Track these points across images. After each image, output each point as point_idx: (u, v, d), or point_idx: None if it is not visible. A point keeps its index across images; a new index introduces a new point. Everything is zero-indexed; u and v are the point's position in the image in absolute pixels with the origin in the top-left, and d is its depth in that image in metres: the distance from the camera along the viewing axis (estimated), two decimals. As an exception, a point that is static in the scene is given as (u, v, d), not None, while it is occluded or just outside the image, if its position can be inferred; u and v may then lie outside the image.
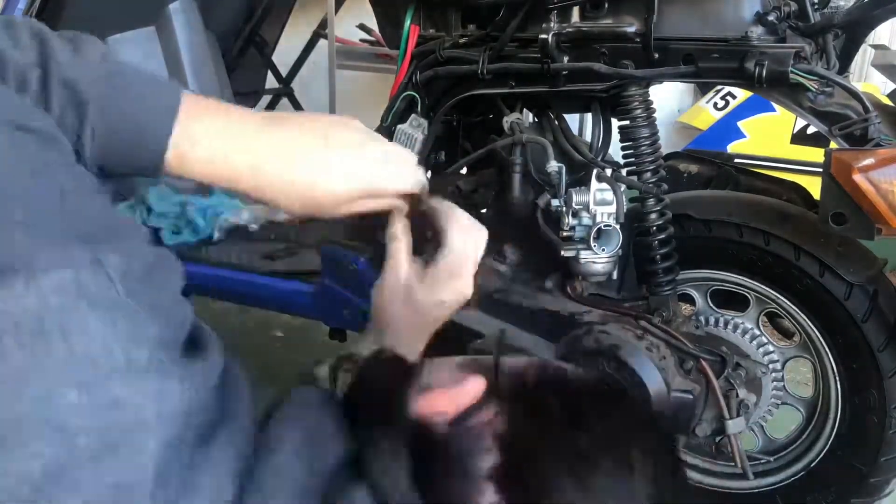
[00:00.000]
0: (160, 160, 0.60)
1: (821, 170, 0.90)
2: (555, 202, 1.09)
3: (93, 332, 0.46)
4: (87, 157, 0.58)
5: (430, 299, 0.74)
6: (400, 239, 0.76)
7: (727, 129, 2.72)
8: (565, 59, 1.07)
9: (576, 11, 1.07)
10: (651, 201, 1.10)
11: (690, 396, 1.04)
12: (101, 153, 0.59)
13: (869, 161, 0.85)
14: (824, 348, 1.12)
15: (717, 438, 1.09)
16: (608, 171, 1.07)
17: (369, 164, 0.67)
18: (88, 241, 0.49)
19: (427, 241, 0.75)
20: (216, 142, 0.61)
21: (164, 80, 0.62)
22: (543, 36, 1.05)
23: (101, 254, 0.49)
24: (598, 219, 1.05)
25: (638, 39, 1.03)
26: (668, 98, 3.11)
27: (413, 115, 1.22)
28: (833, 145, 0.94)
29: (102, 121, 0.58)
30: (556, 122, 1.18)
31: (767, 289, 1.13)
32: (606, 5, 1.05)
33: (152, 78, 0.61)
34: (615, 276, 1.12)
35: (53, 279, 0.46)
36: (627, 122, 1.10)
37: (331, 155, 0.65)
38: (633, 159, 1.11)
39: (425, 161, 1.26)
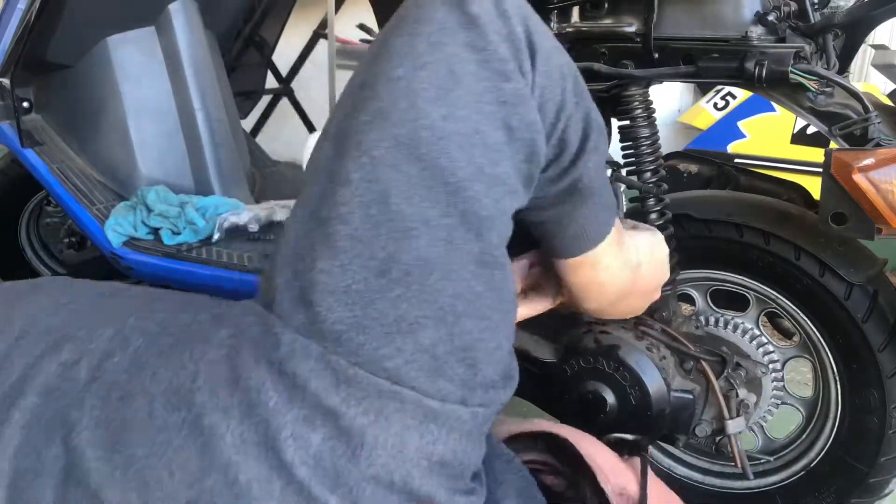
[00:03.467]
0: (564, 258, 0.71)
1: (821, 170, 0.90)
2: (555, 202, 1.09)
3: (471, 463, 0.56)
4: (528, 218, 0.68)
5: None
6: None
7: (727, 129, 2.72)
8: (565, 59, 1.07)
9: (576, 11, 1.07)
10: (651, 201, 1.10)
11: (690, 396, 1.04)
12: (538, 226, 0.69)
13: (869, 161, 0.85)
14: (824, 348, 1.12)
15: (717, 438, 1.09)
16: (608, 171, 1.07)
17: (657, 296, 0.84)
18: (502, 381, 0.58)
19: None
20: (605, 277, 0.73)
21: (613, 201, 0.71)
22: (543, 36, 1.05)
23: (503, 399, 0.58)
24: (598, 219, 1.05)
25: (638, 39, 1.03)
26: (668, 98, 3.11)
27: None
28: (833, 145, 0.94)
29: (565, 215, 0.67)
30: (556, 122, 1.18)
31: (767, 289, 1.13)
32: (606, 5, 1.05)
33: (610, 197, 0.70)
34: (615, 276, 1.12)
35: (483, 414, 0.56)
36: (627, 122, 1.10)
37: (651, 295, 0.82)
38: (633, 159, 1.11)
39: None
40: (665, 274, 0.82)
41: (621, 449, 0.81)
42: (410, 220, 0.52)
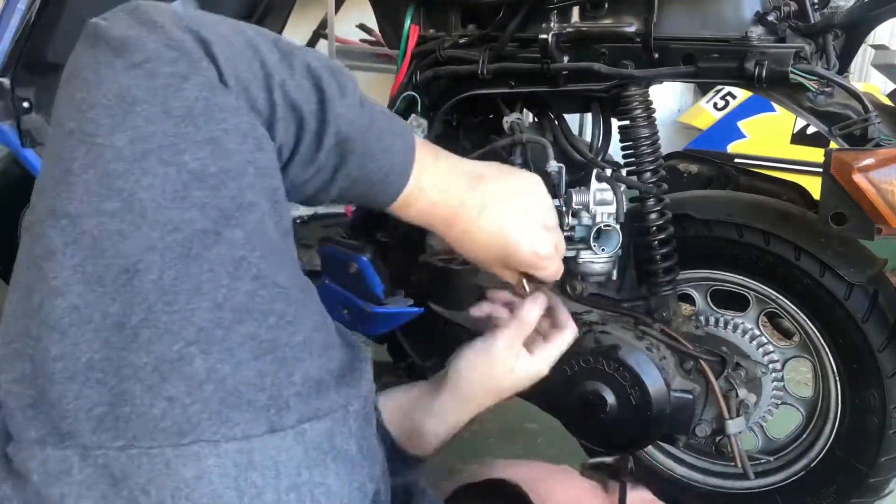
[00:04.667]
0: (391, 203, 0.63)
1: (821, 170, 0.90)
2: (555, 202, 1.08)
3: (333, 490, 0.47)
4: (328, 196, 0.61)
5: (523, 375, 0.78)
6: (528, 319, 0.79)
7: (727, 129, 2.72)
8: (565, 59, 1.07)
9: (576, 11, 1.07)
10: (651, 201, 1.10)
11: (690, 396, 1.04)
12: (342, 194, 0.61)
13: (869, 161, 0.85)
14: (824, 348, 1.12)
15: (717, 438, 1.09)
16: (608, 171, 1.07)
17: (546, 244, 0.73)
18: (339, 377, 0.50)
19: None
20: (437, 195, 0.65)
21: (400, 123, 0.64)
22: (543, 36, 1.05)
23: (349, 397, 0.50)
24: (598, 219, 1.05)
25: (638, 39, 1.03)
26: (668, 98, 3.11)
27: (413, 115, 1.22)
28: (833, 145, 0.94)
29: (357, 169, 0.59)
30: (556, 122, 1.18)
31: (767, 289, 1.13)
32: (606, 5, 1.05)
33: (394, 122, 0.63)
34: (615, 276, 1.12)
35: (316, 429, 0.47)
36: (627, 122, 1.10)
37: (525, 226, 0.70)
38: (633, 159, 1.11)
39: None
40: (531, 186, 0.73)
41: (603, 475, 0.76)
42: (132, 256, 0.45)
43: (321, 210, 1.89)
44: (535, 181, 0.74)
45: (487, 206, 0.67)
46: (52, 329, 0.45)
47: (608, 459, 0.78)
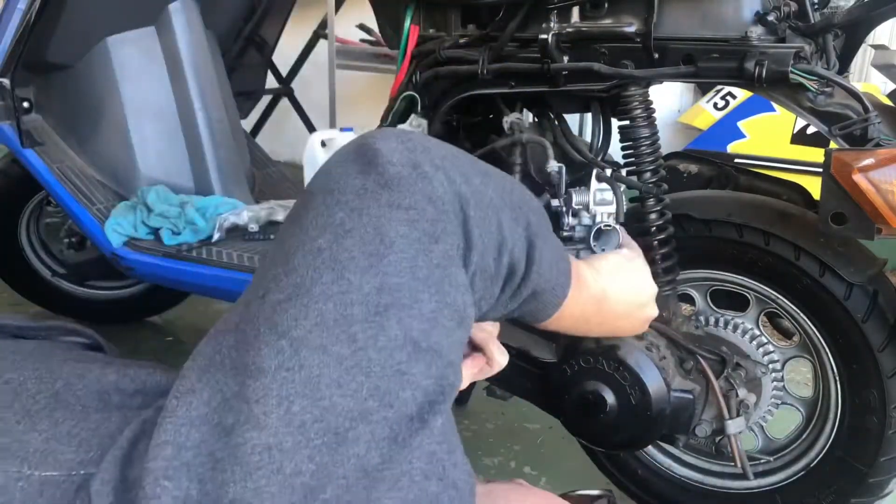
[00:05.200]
0: (539, 324, 0.68)
1: (821, 170, 0.90)
2: (554, 202, 1.08)
3: None
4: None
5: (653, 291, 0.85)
6: None
7: (727, 129, 2.72)
8: (565, 59, 1.07)
9: (576, 11, 1.07)
10: (651, 201, 1.10)
11: (690, 396, 1.04)
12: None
13: (869, 161, 0.86)
14: (824, 348, 1.12)
15: (717, 438, 1.09)
16: (608, 171, 1.07)
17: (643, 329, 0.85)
18: None
19: None
20: (570, 322, 0.71)
21: (567, 263, 0.67)
22: (543, 36, 1.05)
23: None
24: (598, 219, 1.05)
25: (638, 39, 1.03)
26: (668, 98, 3.11)
27: (413, 115, 1.22)
28: (833, 145, 0.94)
29: (524, 307, 0.63)
30: (556, 122, 1.18)
31: (767, 289, 1.13)
32: (606, 5, 1.05)
33: (563, 261, 0.66)
34: (615, 276, 1.12)
35: None
36: (627, 122, 1.10)
37: (636, 327, 0.83)
38: (633, 159, 1.11)
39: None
40: (641, 291, 0.81)
41: None
42: (345, 419, 0.42)
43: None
44: (649, 285, 0.81)
45: (609, 328, 0.78)
46: (236, 462, 0.41)
47: (594, 492, 0.79)
